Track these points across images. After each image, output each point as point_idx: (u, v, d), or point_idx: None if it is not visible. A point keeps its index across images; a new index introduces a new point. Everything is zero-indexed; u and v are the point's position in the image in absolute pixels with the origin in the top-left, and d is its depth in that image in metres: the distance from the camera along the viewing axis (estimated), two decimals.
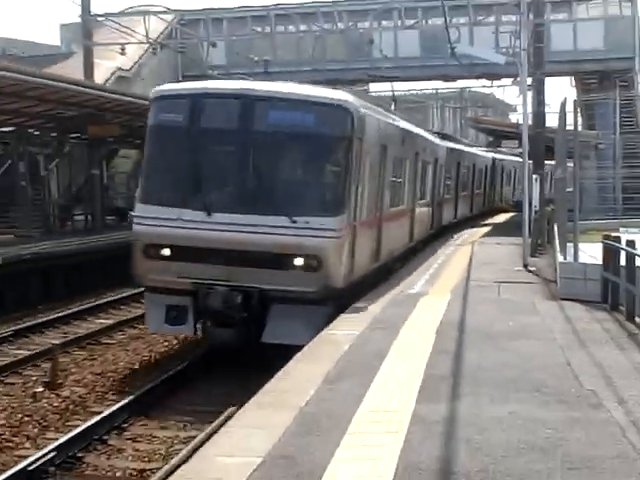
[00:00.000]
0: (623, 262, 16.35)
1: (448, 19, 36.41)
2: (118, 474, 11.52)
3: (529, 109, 29.33)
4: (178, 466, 8.15)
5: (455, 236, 36.43)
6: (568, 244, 20.53)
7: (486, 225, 46.26)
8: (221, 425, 11.45)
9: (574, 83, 50.56)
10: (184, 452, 11.29)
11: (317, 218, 16.11)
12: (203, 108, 17.13)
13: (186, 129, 17.18)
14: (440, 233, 36.04)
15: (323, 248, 16.14)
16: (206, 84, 19.84)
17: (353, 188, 17.30)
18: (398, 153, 23.82)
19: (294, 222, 15.89)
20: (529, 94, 29.38)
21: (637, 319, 14.86)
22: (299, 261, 16.04)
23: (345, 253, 16.95)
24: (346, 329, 14.57)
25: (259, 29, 51.15)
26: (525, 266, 24.87)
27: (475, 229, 42.53)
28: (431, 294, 18.89)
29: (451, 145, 40.01)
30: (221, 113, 17.27)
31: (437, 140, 35.57)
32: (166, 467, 10.75)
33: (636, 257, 15.42)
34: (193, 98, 17.35)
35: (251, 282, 15.97)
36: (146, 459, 12.07)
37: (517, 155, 44.75)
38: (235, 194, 16.92)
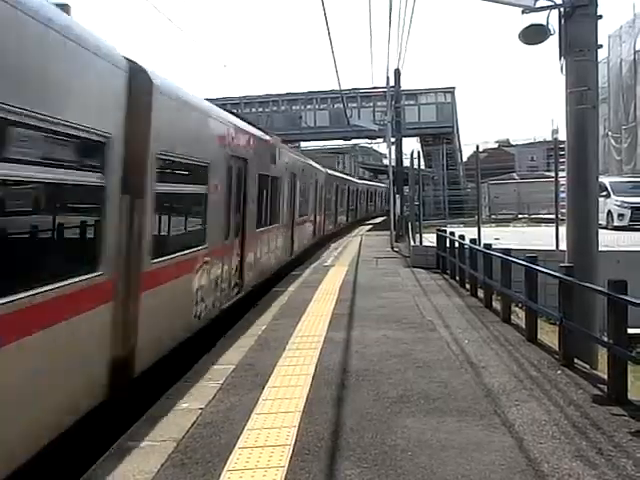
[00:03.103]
0: (448, 244, 16.57)
1: (345, 104, 37.07)
2: None
3: (393, 156, 29.66)
4: None
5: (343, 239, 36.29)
6: (417, 235, 20.67)
7: (369, 224, 46.60)
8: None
9: (419, 141, 51.00)
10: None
11: None
12: None
13: None
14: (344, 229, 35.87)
15: None
16: None
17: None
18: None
19: None
20: (393, 148, 29.65)
21: (456, 278, 14.99)
22: None
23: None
24: (286, 287, 14.45)
25: (234, 111, 50.84)
26: (392, 248, 24.99)
27: (363, 227, 42.79)
28: (336, 266, 18.83)
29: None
30: None
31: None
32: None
33: (454, 241, 15.63)
34: None
35: None
36: None
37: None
38: None
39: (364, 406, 6.10)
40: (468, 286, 13.58)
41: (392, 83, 29.86)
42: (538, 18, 9.98)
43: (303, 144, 64.83)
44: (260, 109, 52.50)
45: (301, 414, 5.86)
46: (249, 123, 12.83)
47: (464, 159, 52.96)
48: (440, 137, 48.17)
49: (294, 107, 52.83)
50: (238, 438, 5.30)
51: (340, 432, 5.43)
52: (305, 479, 4.55)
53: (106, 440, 5.32)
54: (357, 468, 4.72)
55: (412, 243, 20.70)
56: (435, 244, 18.16)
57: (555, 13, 9.75)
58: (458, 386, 6.74)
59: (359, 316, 10.71)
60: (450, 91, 49.99)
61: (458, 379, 7.00)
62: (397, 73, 30.01)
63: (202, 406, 6.15)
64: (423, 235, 19.94)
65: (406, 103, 41.72)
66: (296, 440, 5.24)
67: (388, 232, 27.90)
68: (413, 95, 47.60)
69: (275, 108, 52.68)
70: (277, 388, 6.70)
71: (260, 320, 10.54)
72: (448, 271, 16.25)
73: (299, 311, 11.14)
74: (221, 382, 6.93)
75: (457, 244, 15.22)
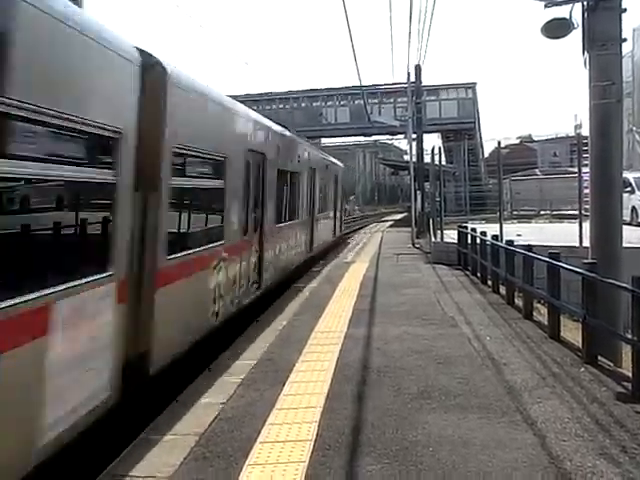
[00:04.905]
0: (469, 240, 16.48)
1: (366, 100, 37.06)
2: None
3: (414, 152, 29.57)
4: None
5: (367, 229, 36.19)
6: (437, 231, 20.60)
7: (390, 220, 46.53)
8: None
9: (440, 136, 50.75)
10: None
11: None
12: None
13: None
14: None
15: None
16: None
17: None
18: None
19: None
20: (414, 144, 29.55)
21: (478, 274, 14.89)
22: None
23: None
24: (307, 283, 14.48)
25: (254, 107, 51.13)
26: (413, 244, 24.93)
27: (384, 223, 42.72)
28: (357, 262, 18.83)
29: None
30: None
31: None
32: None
33: (475, 237, 15.53)
34: None
35: None
36: None
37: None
38: None
39: (385, 402, 6.08)
40: (490, 283, 13.49)
41: (413, 79, 29.71)
42: (561, 12, 9.87)
43: (324, 140, 65.01)
44: (281, 105, 52.68)
45: (322, 410, 5.86)
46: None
47: (485, 155, 52.63)
48: (461, 133, 47.86)
49: (315, 103, 52.95)
50: (259, 433, 5.32)
51: (361, 428, 5.43)
52: (326, 474, 4.56)
53: (129, 433, 5.37)
54: (378, 464, 4.71)
55: (433, 239, 20.63)
56: (456, 240, 18.08)
57: (578, 6, 9.63)
58: (479, 383, 6.70)
59: (380, 312, 10.70)
60: (471, 86, 49.63)
61: (479, 375, 6.96)
62: (418, 69, 29.87)
63: (223, 401, 6.18)
64: (444, 231, 19.86)
65: (427, 99, 41.43)
66: (317, 435, 5.24)
67: (409, 228, 27.86)
68: (434, 91, 47.30)
69: (296, 105, 52.86)
70: (298, 384, 6.71)
71: (281, 316, 10.58)
72: (469, 267, 16.16)
73: (320, 307, 11.15)
74: (242, 377, 6.97)
75: (478, 240, 15.13)
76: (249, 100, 47.05)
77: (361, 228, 42.28)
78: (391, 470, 4.61)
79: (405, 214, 49.45)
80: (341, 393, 6.36)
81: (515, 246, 11.86)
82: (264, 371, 7.22)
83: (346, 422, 5.55)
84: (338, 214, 25.55)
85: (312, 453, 4.90)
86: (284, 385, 6.65)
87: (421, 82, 30.66)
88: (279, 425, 5.51)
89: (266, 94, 51.84)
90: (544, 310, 10.16)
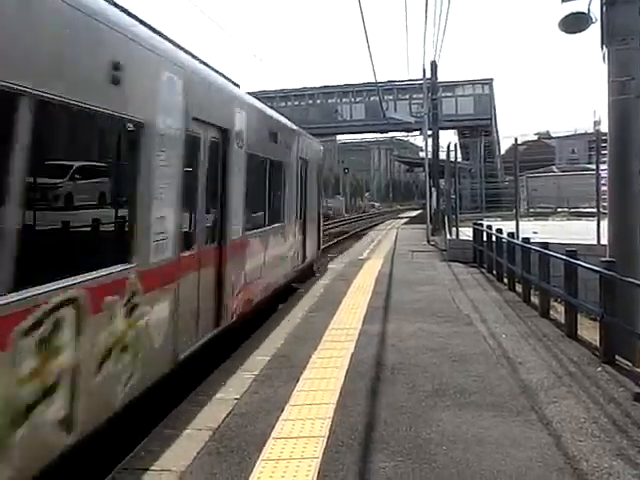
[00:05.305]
0: (485, 238, 16.40)
1: (381, 97, 37.01)
2: None
3: (430, 149, 29.48)
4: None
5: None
6: (453, 228, 20.52)
7: (405, 217, 46.42)
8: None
9: (456, 133, 50.56)
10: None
11: None
12: None
13: None
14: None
15: None
16: None
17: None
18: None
19: None
20: (429, 140, 29.46)
21: (494, 272, 14.81)
22: None
23: None
24: (321, 280, 14.48)
25: (268, 104, 51.23)
26: (428, 241, 24.86)
27: (399, 220, 42.63)
28: (372, 259, 18.80)
29: None
30: None
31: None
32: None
33: (491, 234, 15.45)
34: None
35: None
36: None
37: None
38: None
39: (399, 399, 6.07)
40: (506, 280, 13.40)
41: (428, 75, 29.60)
42: (578, 6, 9.76)
43: (339, 137, 65.06)
44: (296, 102, 52.80)
45: (335, 406, 5.86)
46: None
47: (502, 152, 52.39)
48: (478, 129, 47.76)
49: (330, 100, 53.09)
50: (273, 428, 5.33)
51: (374, 425, 5.41)
52: (339, 471, 4.55)
53: (144, 428, 5.40)
54: (391, 461, 4.70)
55: (448, 237, 20.55)
56: (472, 238, 17.99)
57: (596, 0, 9.52)
58: (494, 381, 6.65)
59: (395, 309, 10.66)
60: (488, 82, 49.49)
61: (494, 374, 6.91)
62: (434, 65, 29.76)
63: (237, 396, 6.20)
64: (460, 229, 19.78)
65: (443, 95, 41.31)
66: (330, 432, 5.24)
67: (424, 225, 27.78)
68: (450, 87, 47.19)
69: (311, 101, 53.06)
70: (311, 380, 6.71)
71: (295, 312, 10.59)
72: (485, 265, 16.08)
73: (335, 303, 11.14)
74: (256, 373, 6.98)
75: (494, 238, 15.04)
76: (263, 97, 47.21)
77: (376, 225, 42.32)
78: (404, 468, 4.60)
79: (420, 211, 49.37)
80: (355, 390, 6.35)
81: (531, 244, 11.78)
82: (278, 367, 7.23)
83: (359, 419, 5.54)
84: (310, 225, 15.27)
85: (325, 449, 4.89)
86: (298, 381, 6.65)
87: (437, 78, 30.57)
88: (293, 421, 5.51)
89: (281, 91, 51.97)
90: (561, 308, 10.07)
